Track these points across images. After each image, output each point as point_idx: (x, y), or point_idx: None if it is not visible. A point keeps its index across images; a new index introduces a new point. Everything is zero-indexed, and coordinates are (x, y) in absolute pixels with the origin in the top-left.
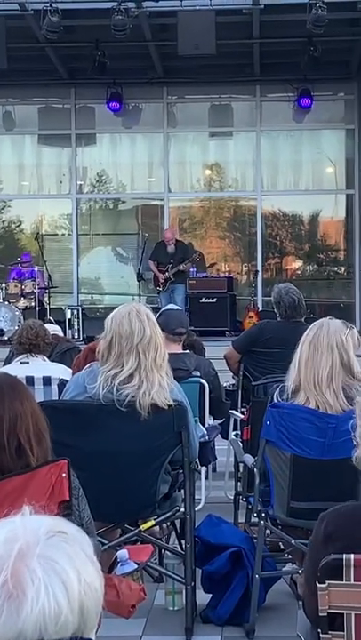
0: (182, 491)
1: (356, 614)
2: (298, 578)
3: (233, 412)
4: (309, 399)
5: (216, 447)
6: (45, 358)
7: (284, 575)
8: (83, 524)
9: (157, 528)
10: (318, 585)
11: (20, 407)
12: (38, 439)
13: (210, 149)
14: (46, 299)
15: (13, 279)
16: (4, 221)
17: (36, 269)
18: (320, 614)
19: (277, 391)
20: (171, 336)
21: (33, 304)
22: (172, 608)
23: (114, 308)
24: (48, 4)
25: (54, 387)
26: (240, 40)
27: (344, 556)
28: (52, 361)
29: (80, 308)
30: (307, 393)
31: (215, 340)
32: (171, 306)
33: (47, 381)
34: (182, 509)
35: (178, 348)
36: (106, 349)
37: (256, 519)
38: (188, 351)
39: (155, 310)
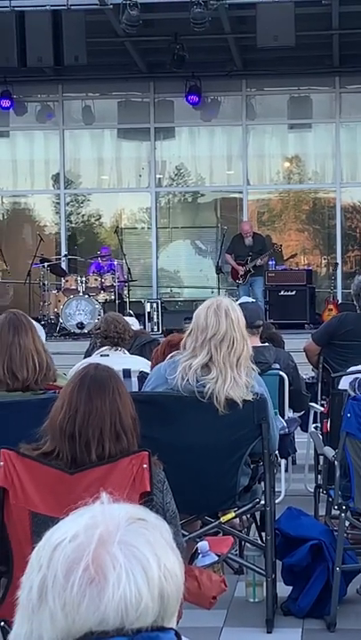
0: (262, 483)
1: None
2: None
3: (313, 404)
4: None
5: (296, 440)
6: (126, 351)
7: None
8: (166, 517)
9: (238, 520)
10: None
11: (99, 403)
12: (116, 437)
13: (289, 142)
14: (125, 292)
15: (93, 272)
16: (83, 215)
17: (115, 263)
18: None
19: (356, 383)
20: (249, 329)
21: (112, 297)
22: (252, 600)
23: (193, 302)
24: None
25: (134, 379)
26: (319, 31)
27: None
28: (132, 354)
29: (159, 302)
30: None
31: (294, 332)
32: (245, 299)
33: (127, 374)
34: (262, 502)
35: (256, 341)
36: (186, 341)
37: (337, 512)
38: (267, 344)
39: None
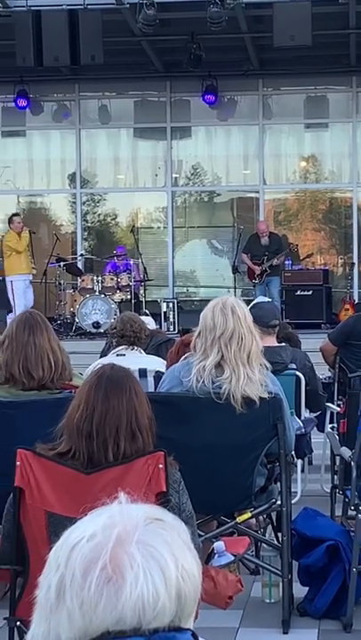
0: (278, 483)
1: None
2: None
3: (329, 404)
4: None
5: (312, 440)
6: (142, 351)
7: None
8: (182, 517)
9: (254, 520)
10: None
11: (116, 402)
12: (131, 436)
13: (305, 141)
14: (142, 291)
15: (109, 272)
16: (99, 215)
17: (131, 262)
18: None
19: None
20: (265, 329)
21: (129, 297)
22: (268, 600)
23: (209, 301)
24: None
25: (150, 379)
26: (336, 30)
27: None
28: (148, 353)
29: (175, 301)
30: None
31: (311, 332)
32: (261, 298)
33: (143, 373)
34: (279, 502)
35: (273, 341)
36: (196, 342)
37: (353, 512)
38: (283, 344)
39: (249, 303)
